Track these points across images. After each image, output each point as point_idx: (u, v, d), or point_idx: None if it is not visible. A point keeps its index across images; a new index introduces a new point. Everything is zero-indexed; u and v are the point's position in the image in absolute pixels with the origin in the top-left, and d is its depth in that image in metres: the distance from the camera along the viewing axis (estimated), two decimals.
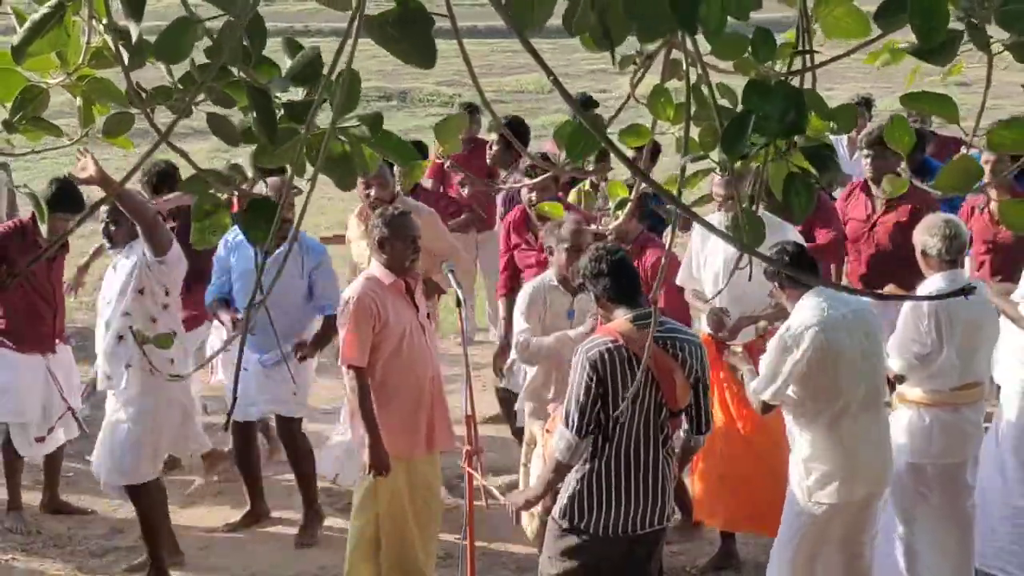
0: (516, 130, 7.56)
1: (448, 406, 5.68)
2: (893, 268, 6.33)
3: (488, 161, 8.40)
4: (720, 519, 5.98)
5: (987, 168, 6.28)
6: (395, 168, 6.54)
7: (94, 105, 1.93)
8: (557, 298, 5.71)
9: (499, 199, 8.17)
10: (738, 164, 1.85)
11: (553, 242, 5.69)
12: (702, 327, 5.84)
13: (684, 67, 1.89)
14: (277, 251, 5.85)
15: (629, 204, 2.34)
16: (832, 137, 7.88)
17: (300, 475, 6.45)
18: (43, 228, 6.15)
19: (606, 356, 4.30)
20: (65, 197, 5.97)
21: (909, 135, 1.95)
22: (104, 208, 5.67)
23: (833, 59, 1.90)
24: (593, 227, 5.62)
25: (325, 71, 1.69)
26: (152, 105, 1.75)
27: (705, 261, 5.93)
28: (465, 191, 8.88)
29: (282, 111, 1.71)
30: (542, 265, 6.32)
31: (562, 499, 4.47)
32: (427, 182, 8.79)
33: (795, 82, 1.84)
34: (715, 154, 1.91)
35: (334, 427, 6.60)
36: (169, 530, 6.10)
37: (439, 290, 6.36)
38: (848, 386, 4.83)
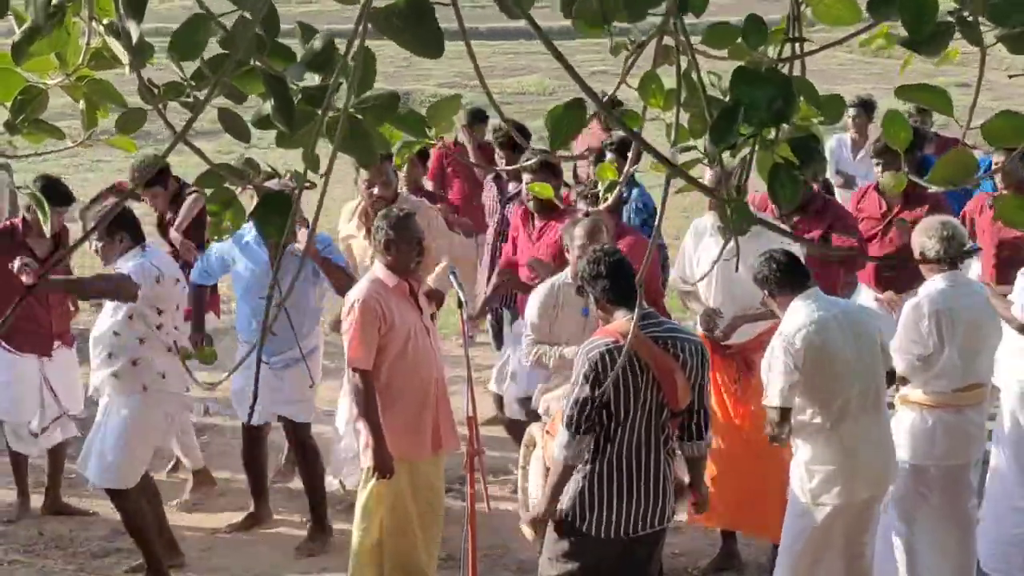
0: (511, 139, 7.59)
1: (451, 407, 5.68)
2: (907, 267, 6.33)
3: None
4: (718, 519, 5.97)
5: (998, 176, 6.27)
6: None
7: (96, 108, 1.93)
8: (571, 296, 5.69)
9: (492, 197, 8.14)
10: (726, 154, 1.85)
11: (568, 241, 5.68)
12: (696, 327, 5.84)
13: (675, 54, 1.89)
14: (287, 248, 5.88)
15: (617, 187, 2.34)
16: (835, 137, 7.89)
17: (309, 484, 6.39)
18: (45, 228, 6.16)
19: (606, 357, 4.30)
20: (53, 192, 6.00)
21: (905, 130, 1.95)
22: (92, 213, 5.69)
23: (824, 47, 1.90)
24: (583, 206, 5.60)
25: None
26: (163, 102, 1.75)
27: (698, 261, 5.93)
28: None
29: (299, 97, 1.71)
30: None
31: (563, 500, 4.47)
32: (427, 184, 8.78)
33: (786, 71, 1.84)
34: (703, 143, 1.91)
35: (337, 429, 6.59)
36: (169, 532, 6.10)
37: (441, 298, 6.36)
38: (844, 386, 4.83)
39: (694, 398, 4.48)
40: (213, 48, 1.70)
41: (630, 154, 2.64)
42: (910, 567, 5.41)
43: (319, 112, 1.68)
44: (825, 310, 4.84)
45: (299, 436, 6.41)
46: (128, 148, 2.08)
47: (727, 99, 1.78)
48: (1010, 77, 2.67)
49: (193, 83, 1.73)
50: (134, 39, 1.70)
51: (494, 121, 9.89)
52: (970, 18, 1.65)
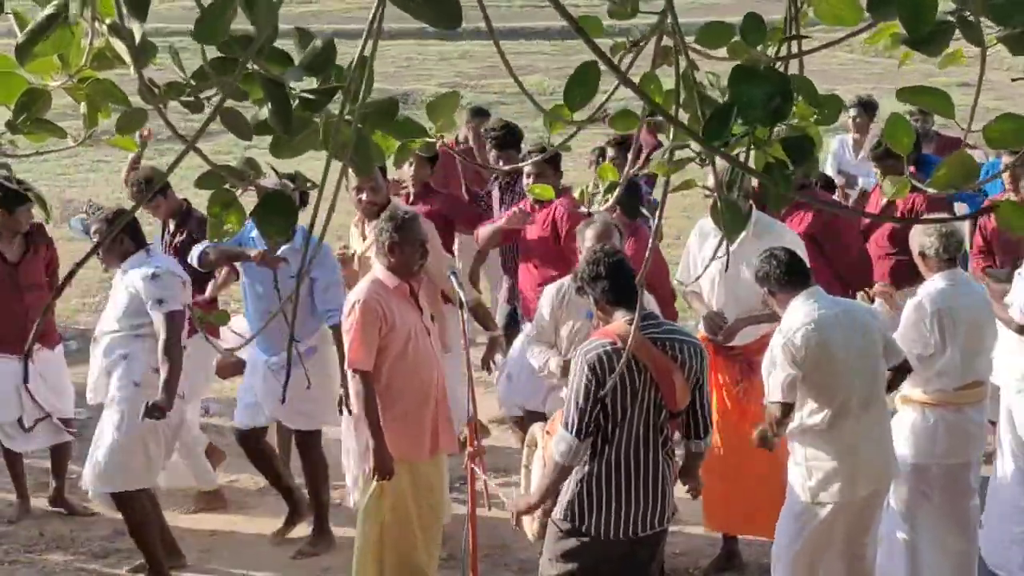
0: (509, 134, 7.57)
1: (451, 408, 5.67)
2: (908, 260, 6.29)
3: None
4: (720, 522, 5.97)
5: (1007, 176, 6.26)
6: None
7: (98, 109, 1.93)
8: (577, 297, 5.70)
9: (495, 205, 8.13)
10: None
11: (580, 242, 5.69)
12: (700, 329, 5.84)
13: (673, 54, 1.88)
14: (285, 248, 5.88)
15: (617, 188, 2.33)
16: (837, 139, 7.87)
17: (313, 490, 6.38)
18: (48, 227, 6.16)
19: (604, 359, 4.30)
20: (6, 193, 6.01)
21: (908, 135, 1.94)
22: (94, 228, 5.67)
23: (824, 46, 1.90)
24: (584, 209, 5.62)
25: (343, 60, 1.68)
26: (165, 101, 1.74)
27: (702, 262, 5.92)
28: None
29: (296, 102, 1.70)
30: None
31: (562, 501, 4.47)
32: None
33: (784, 69, 1.83)
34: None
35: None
36: (169, 533, 6.10)
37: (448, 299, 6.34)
38: (844, 384, 4.83)
39: (695, 398, 4.48)
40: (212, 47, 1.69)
41: (629, 154, 2.65)
42: (912, 566, 5.41)
43: (317, 118, 1.67)
44: (826, 308, 4.84)
45: (305, 443, 6.38)
46: (129, 147, 2.08)
47: (725, 99, 1.77)
48: (1013, 80, 2.67)
49: (194, 83, 1.72)
50: (137, 39, 1.70)
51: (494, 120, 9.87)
52: (971, 18, 1.64)
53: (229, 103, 1.70)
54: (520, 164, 7.10)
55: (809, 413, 4.89)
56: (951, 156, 1.82)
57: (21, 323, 6.30)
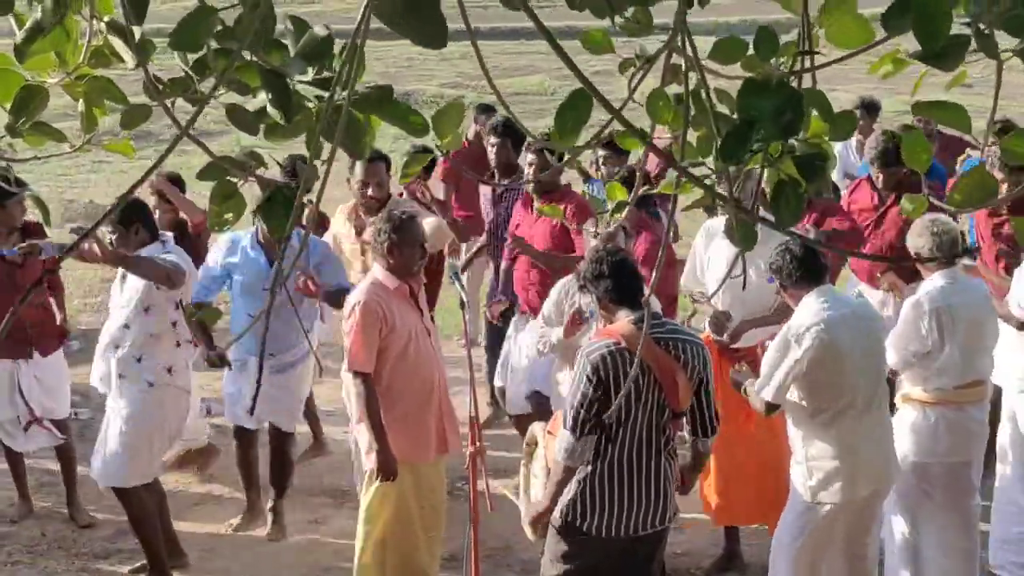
0: (511, 132, 7.56)
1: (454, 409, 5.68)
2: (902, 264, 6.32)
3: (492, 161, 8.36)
4: (726, 517, 5.97)
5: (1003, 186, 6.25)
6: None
7: (96, 107, 1.92)
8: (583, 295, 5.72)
9: (486, 197, 8.13)
10: (732, 169, 1.84)
11: (584, 241, 5.73)
12: (706, 329, 5.84)
13: (683, 71, 1.87)
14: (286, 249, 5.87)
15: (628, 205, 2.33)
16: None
17: (279, 487, 6.48)
18: (46, 229, 6.14)
19: (607, 358, 4.29)
20: None
21: (927, 152, 1.92)
22: (109, 229, 5.66)
23: (835, 60, 1.89)
24: (593, 229, 5.65)
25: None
26: (168, 97, 1.74)
27: (708, 262, 5.92)
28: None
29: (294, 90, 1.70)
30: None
31: (564, 500, 4.46)
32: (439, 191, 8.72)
33: (797, 83, 1.82)
34: (712, 160, 1.89)
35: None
36: (172, 533, 6.10)
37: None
38: (849, 385, 4.83)
39: (701, 397, 4.48)
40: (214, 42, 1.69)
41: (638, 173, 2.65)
42: (914, 565, 5.41)
43: (316, 104, 1.67)
44: (836, 309, 4.83)
45: (282, 444, 6.44)
46: (126, 152, 2.07)
47: (735, 116, 1.76)
48: None
49: (195, 75, 1.72)
50: (137, 36, 1.70)
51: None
52: (986, 31, 1.63)
53: (234, 100, 1.70)
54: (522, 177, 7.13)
55: (813, 412, 4.89)
56: (969, 173, 1.81)
57: (19, 324, 6.28)
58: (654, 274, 2.86)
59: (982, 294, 5.39)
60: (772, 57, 1.84)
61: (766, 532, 5.85)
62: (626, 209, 2.37)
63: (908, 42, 1.70)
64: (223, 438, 7.59)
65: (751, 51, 1.83)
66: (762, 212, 1.99)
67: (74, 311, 10.03)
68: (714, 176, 1.91)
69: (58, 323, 6.58)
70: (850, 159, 9.56)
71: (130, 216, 5.57)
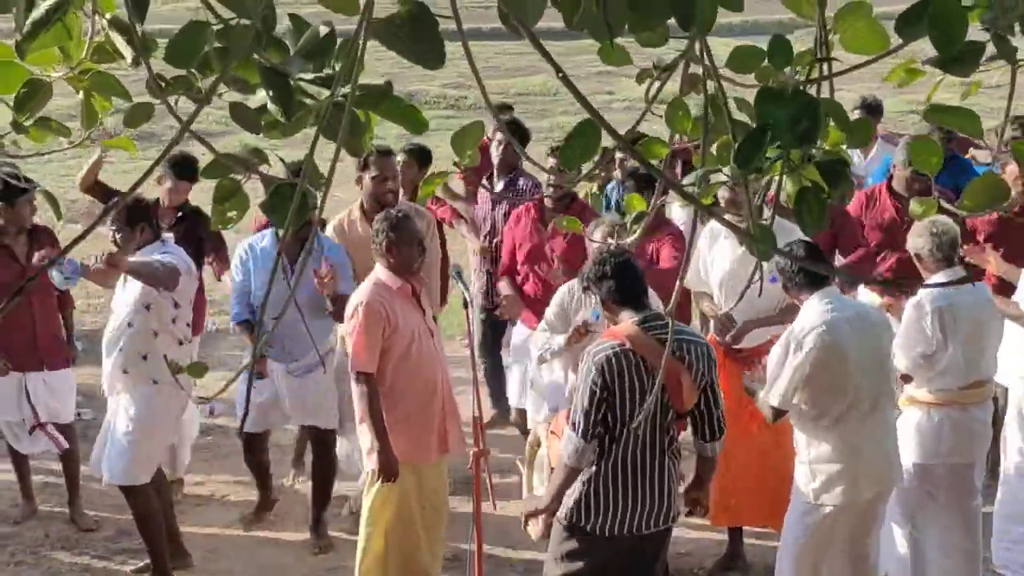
0: (517, 131, 7.55)
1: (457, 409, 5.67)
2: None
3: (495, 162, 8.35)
4: (729, 518, 5.96)
5: (1013, 183, 6.24)
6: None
7: (96, 100, 1.92)
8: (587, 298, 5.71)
9: (484, 199, 8.12)
10: (751, 177, 1.84)
11: (588, 242, 5.71)
12: (710, 332, 5.84)
13: (702, 81, 1.87)
14: (300, 258, 5.87)
15: (645, 218, 2.33)
16: None
17: (322, 489, 6.38)
18: (57, 227, 6.14)
19: (612, 360, 4.29)
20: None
21: (937, 155, 1.93)
22: (114, 226, 5.67)
23: (852, 68, 1.89)
24: (611, 241, 5.65)
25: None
26: (171, 95, 1.75)
27: (712, 263, 5.92)
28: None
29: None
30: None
31: (567, 501, 4.46)
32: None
33: (812, 91, 1.82)
34: (730, 168, 1.89)
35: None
36: (177, 532, 6.11)
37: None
38: (854, 387, 4.83)
39: (708, 399, 4.47)
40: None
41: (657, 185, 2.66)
42: (916, 565, 5.40)
43: (317, 102, 1.67)
44: (839, 311, 4.83)
45: (326, 443, 6.37)
46: (127, 148, 2.07)
47: (753, 123, 1.76)
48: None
49: (197, 74, 1.72)
50: (138, 32, 1.70)
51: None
52: (1003, 35, 1.63)
53: (237, 98, 1.71)
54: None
55: (816, 414, 4.88)
56: (981, 178, 1.81)
57: (29, 328, 6.32)
58: (678, 277, 2.86)
59: (983, 294, 5.38)
60: (786, 66, 1.84)
61: (769, 532, 5.85)
62: (644, 220, 2.37)
63: (920, 46, 1.70)
64: (226, 439, 7.60)
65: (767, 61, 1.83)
66: (766, 216, 1.99)
67: (78, 312, 10.01)
68: (731, 183, 1.91)
69: (65, 341, 6.61)
70: (853, 159, 9.53)
71: (136, 217, 5.60)
